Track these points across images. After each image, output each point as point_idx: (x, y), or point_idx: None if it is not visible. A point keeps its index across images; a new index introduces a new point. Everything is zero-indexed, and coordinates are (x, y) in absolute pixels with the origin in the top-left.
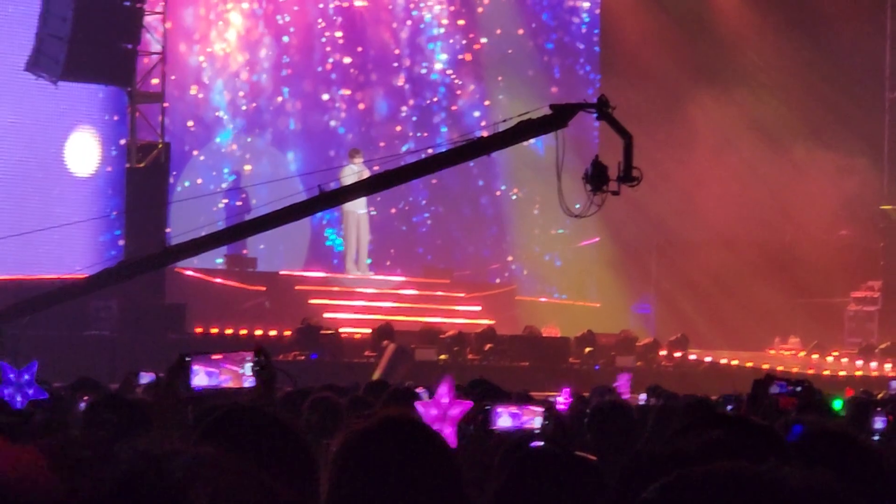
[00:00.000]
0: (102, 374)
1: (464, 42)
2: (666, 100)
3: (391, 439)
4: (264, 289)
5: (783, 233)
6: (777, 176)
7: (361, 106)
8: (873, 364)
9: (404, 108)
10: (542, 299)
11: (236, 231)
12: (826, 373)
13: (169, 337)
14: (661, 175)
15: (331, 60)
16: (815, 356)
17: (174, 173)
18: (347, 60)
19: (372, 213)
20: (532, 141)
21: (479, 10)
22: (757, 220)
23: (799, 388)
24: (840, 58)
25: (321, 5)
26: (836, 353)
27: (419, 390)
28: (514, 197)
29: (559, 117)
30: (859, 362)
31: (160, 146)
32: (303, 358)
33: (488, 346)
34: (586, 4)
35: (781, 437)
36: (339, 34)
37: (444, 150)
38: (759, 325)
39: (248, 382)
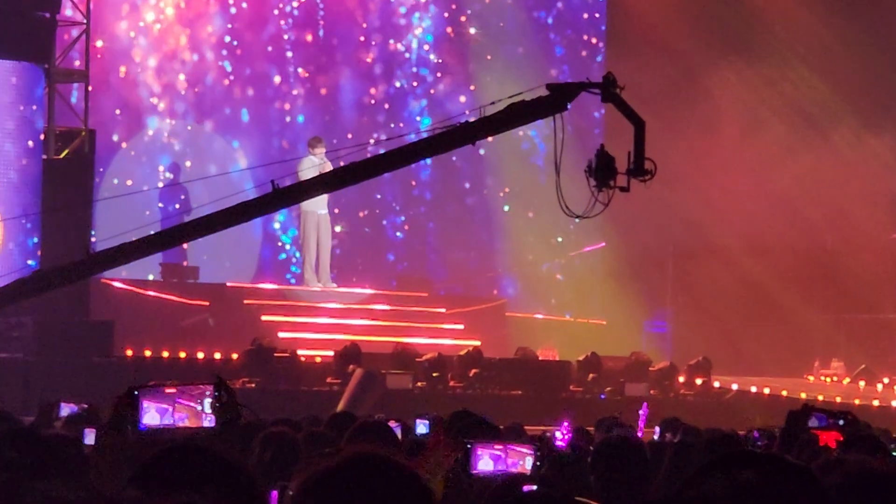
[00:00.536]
0: (15, 404)
1: (446, 14)
2: (684, 79)
3: (359, 481)
4: (207, 304)
5: (824, 237)
6: (816, 169)
7: (323, 91)
8: None
9: (374, 92)
10: (538, 316)
11: (174, 235)
12: (875, 403)
13: (94, 360)
14: (679, 168)
15: (287, 37)
16: (861, 383)
17: (101, 169)
18: (309, 38)
19: (336, 212)
20: (528, 130)
21: None
22: (792, 222)
23: (842, 422)
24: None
25: None
26: (886, 380)
27: (392, 424)
28: (505, 202)
29: (557, 99)
30: None
31: (83, 133)
32: (252, 386)
33: (473, 371)
34: None
35: (820, 479)
36: (295, 4)
37: (421, 138)
38: (796, 347)
39: (208, 421)
